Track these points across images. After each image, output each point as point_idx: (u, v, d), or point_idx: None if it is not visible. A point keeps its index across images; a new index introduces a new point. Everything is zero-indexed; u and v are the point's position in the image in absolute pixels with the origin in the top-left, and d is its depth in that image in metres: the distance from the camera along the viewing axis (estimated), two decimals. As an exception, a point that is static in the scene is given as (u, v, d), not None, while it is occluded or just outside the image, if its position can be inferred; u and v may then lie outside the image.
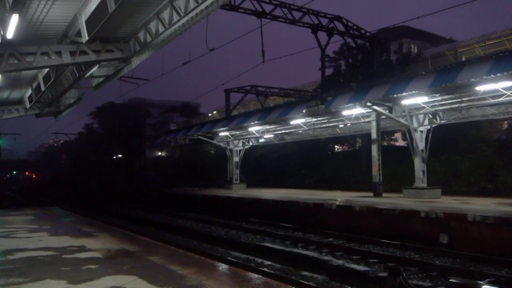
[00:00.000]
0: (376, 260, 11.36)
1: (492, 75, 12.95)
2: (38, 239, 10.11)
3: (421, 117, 19.41)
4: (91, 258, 7.74)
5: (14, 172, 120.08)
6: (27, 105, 20.22)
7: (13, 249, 8.67)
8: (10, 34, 10.01)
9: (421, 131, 19.59)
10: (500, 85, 14.50)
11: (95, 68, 14.52)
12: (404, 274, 9.06)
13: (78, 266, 7.08)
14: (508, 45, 32.27)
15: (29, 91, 19.13)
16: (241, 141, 32.61)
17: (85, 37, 11.36)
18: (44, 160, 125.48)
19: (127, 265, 7.13)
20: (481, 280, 9.24)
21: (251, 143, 33.02)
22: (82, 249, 8.69)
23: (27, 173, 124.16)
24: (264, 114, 23.47)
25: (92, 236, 10.72)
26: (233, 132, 30.09)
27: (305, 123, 24.29)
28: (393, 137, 35.15)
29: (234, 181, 32.77)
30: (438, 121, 19.65)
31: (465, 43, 37.83)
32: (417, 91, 15.50)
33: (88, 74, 14.91)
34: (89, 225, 13.36)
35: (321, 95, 21.85)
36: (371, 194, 21.57)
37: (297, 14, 23.54)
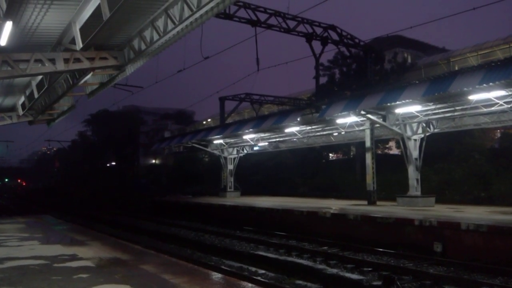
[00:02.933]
0: (370, 269, 11.33)
1: (484, 85, 13.05)
2: (29, 247, 10.01)
3: (414, 125, 19.50)
4: (83, 267, 7.67)
5: (6, 180, 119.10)
6: (20, 112, 20.09)
7: (4, 257, 8.57)
8: (3, 41, 9.97)
9: (415, 140, 19.68)
10: (492, 94, 14.61)
11: (89, 76, 14.44)
12: (398, 283, 9.04)
13: (69, 275, 7.00)
14: (500, 55, 32.59)
15: (22, 98, 19.03)
16: (235, 149, 32.58)
17: (79, 44, 11.33)
18: (37, 167, 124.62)
19: (119, 274, 7.06)
20: (475, 289, 9.24)
21: (245, 151, 32.99)
22: (74, 258, 8.60)
23: (19, 180, 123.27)
24: (258, 122, 23.47)
25: (84, 244, 10.62)
26: (228, 140, 30.06)
27: (299, 131, 24.33)
28: (387, 145, 35.27)
29: (228, 189, 32.67)
30: (431, 130, 19.75)
31: (458, 53, 38.18)
32: (410, 100, 15.59)
33: (82, 81, 14.84)
34: (81, 234, 13.25)
35: (316, 104, 21.92)
36: (365, 202, 21.57)
37: (292, 23, 23.72)
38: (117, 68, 13.33)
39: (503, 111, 17.47)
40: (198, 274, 7.55)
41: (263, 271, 11.32)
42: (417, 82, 15.72)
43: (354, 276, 10.33)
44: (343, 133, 24.63)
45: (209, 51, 19.01)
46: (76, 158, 75.39)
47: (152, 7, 10.48)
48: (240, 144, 31.32)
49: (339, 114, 18.30)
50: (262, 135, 26.90)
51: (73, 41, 11.61)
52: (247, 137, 27.48)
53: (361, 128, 22.15)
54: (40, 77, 15.46)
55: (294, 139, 28.43)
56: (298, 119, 20.62)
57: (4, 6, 9.18)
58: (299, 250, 14.12)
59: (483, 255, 11.65)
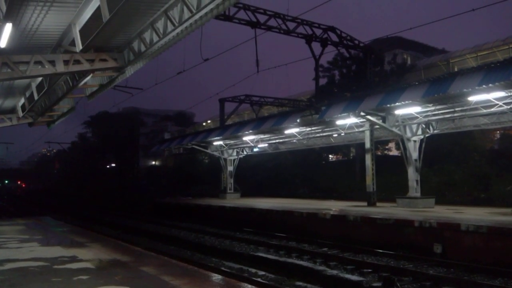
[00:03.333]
0: (370, 270, 11.33)
1: (484, 86, 13.06)
2: (29, 249, 10.01)
3: (414, 127, 19.51)
4: (83, 268, 7.67)
5: (6, 182, 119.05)
6: (20, 114, 20.09)
7: (4, 259, 8.57)
8: (3, 43, 9.97)
9: (415, 141, 19.69)
10: (491, 95, 14.62)
11: (89, 77, 14.44)
12: (398, 284, 9.05)
13: (69, 277, 7.01)
14: (499, 56, 32.62)
15: (22, 100, 19.03)
16: (235, 150, 32.58)
17: (79, 46, 11.33)
18: (36, 169, 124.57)
19: (119, 276, 7.06)
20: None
21: (245, 153, 32.99)
22: (74, 259, 8.60)
23: (19, 182, 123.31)
24: (258, 124, 23.47)
25: (84, 246, 10.62)
26: (227, 142, 30.06)
27: (299, 133, 24.33)
28: (387, 147, 35.28)
29: (228, 191, 32.67)
30: (431, 131, 19.75)
31: (457, 54, 38.22)
32: (410, 101, 15.60)
33: (82, 83, 14.84)
34: (81, 235, 13.25)
35: (315, 105, 21.94)
36: (365, 203, 21.57)
37: (291, 25, 23.71)
38: (116, 70, 13.33)
39: (502, 112, 17.47)
40: (198, 275, 7.56)
41: (263, 273, 11.32)
42: (416, 83, 15.73)
43: (354, 277, 10.34)
44: (342, 134, 24.63)
45: (209, 52, 19.02)
46: (76, 159, 75.39)
47: (151, 9, 10.49)
48: (240, 146, 31.32)
49: (339, 115, 18.32)
50: (262, 136, 26.91)
51: (72, 43, 11.61)
52: (247, 138, 27.48)
53: (360, 129, 22.15)
54: (40, 79, 15.46)
55: (294, 141, 28.43)
56: (298, 121, 20.63)
57: (4, 7, 9.18)
58: (299, 252, 14.12)
59: (483, 256, 11.65)
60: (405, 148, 19.50)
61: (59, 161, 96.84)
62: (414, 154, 19.56)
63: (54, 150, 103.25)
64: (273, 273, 11.30)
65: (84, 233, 14.27)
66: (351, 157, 38.09)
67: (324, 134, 25.12)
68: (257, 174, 40.37)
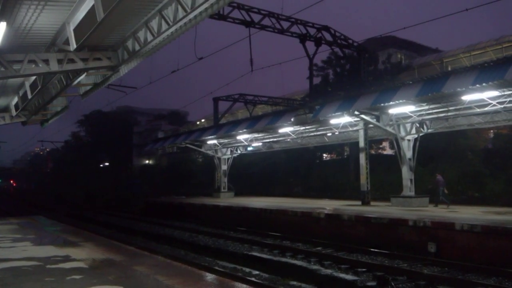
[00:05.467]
0: (364, 269, 11.36)
1: (477, 85, 13.13)
2: (22, 248, 9.95)
3: (408, 126, 19.58)
4: (76, 268, 7.63)
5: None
6: (13, 112, 19.96)
7: (-4, 259, 8.51)
8: (-3, 41, 9.90)
9: (409, 140, 19.76)
10: (485, 94, 14.69)
11: (82, 76, 14.37)
12: (392, 284, 9.09)
13: (62, 276, 6.97)
14: (492, 55, 32.80)
15: (16, 99, 18.91)
16: (229, 149, 32.56)
17: (73, 45, 11.27)
18: (29, 168, 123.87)
19: (113, 275, 7.03)
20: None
21: (239, 152, 32.98)
22: (67, 259, 8.56)
23: (11, 181, 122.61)
24: (252, 123, 23.47)
25: (77, 245, 10.57)
26: (221, 140, 30.03)
27: (293, 132, 24.35)
28: (381, 146, 35.34)
29: (222, 190, 32.65)
30: (425, 130, 19.84)
31: (451, 53, 38.39)
32: (404, 100, 15.65)
33: (76, 82, 14.76)
34: (74, 235, 13.19)
35: (309, 104, 21.95)
36: (359, 202, 21.63)
37: (286, 24, 23.73)
38: (111, 69, 13.27)
39: (496, 112, 17.57)
40: (192, 275, 7.54)
41: (257, 272, 11.32)
42: (410, 82, 15.78)
43: (349, 277, 10.36)
44: (337, 133, 24.68)
45: (203, 51, 18.98)
46: (69, 158, 75.02)
47: (146, 8, 10.45)
48: (234, 145, 31.30)
49: (333, 114, 18.34)
50: (256, 135, 26.89)
51: (67, 42, 11.55)
52: (241, 137, 27.46)
53: (354, 128, 22.21)
54: (33, 77, 15.37)
55: (288, 140, 28.44)
56: (292, 120, 20.63)
57: (-2, 6, 9.11)
58: (293, 251, 14.13)
59: (477, 255, 11.72)
60: (399, 147, 19.57)
61: (52, 160, 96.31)
62: (408, 153, 19.63)
63: (47, 149, 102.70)
64: (267, 272, 11.30)
65: (77, 232, 14.20)
66: (345, 156, 38.15)
67: (318, 133, 25.15)
68: (251, 173, 40.38)
